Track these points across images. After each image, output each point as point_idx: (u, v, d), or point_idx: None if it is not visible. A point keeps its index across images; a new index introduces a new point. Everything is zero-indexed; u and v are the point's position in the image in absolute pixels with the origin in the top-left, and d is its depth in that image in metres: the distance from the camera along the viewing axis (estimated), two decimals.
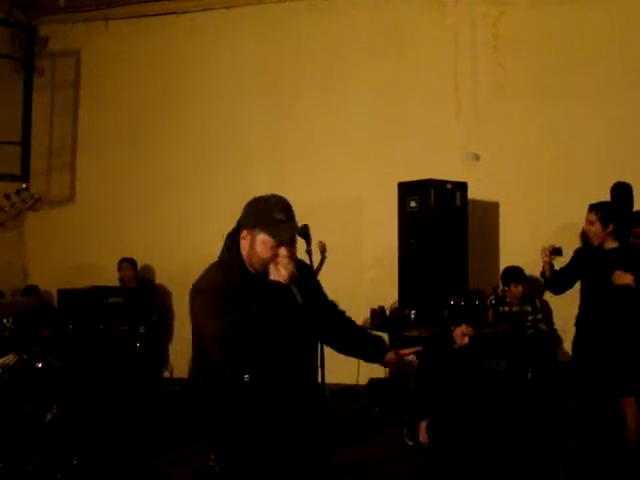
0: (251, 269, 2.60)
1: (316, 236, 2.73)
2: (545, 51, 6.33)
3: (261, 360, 2.44)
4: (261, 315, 2.40)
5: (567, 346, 6.12)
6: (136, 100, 7.38)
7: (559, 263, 4.60)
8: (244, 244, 2.60)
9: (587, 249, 4.50)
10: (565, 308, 5.92)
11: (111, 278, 6.80)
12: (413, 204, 5.74)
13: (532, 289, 6.05)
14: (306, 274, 2.66)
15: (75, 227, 7.46)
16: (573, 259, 4.54)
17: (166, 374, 6.96)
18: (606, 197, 5.19)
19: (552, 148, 6.31)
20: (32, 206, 4.07)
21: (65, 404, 3.99)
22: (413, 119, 6.67)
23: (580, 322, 4.55)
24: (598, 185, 5.67)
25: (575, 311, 5.70)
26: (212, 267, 2.66)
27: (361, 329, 3.00)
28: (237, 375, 2.49)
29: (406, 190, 5.82)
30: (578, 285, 4.69)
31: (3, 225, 6.81)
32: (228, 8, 7.13)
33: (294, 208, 2.61)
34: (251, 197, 2.74)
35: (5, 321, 4.13)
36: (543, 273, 4.54)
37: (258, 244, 2.54)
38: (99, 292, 6.00)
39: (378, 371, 5.52)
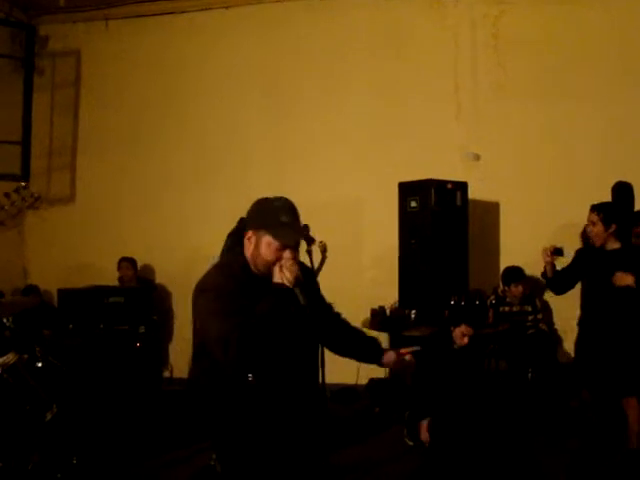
0: (254, 270, 2.61)
1: (316, 236, 2.73)
2: (545, 51, 6.33)
3: (264, 361, 2.44)
4: (265, 316, 2.40)
5: (567, 346, 6.13)
6: (136, 100, 7.37)
7: (560, 263, 4.59)
8: (248, 245, 2.61)
9: (588, 249, 4.50)
10: (565, 308, 5.93)
11: (111, 278, 6.81)
12: (413, 204, 5.73)
13: (532, 289, 6.05)
14: (306, 276, 2.66)
15: (75, 227, 7.46)
16: (574, 259, 4.54)
17: (166, 374, 6.96)
18: (606, 197, 5.19)
19: (552, 148, 6.31)
20: (32, 204, 4.07)
21: (65, 404, 3.98)
22: (413, 119, 6.67)
23: (582, 323, 4.55)
24: (598, 185, 5.67)
25: (575, 311, 5.70)
26: (216, 267, 2.67)
27: (357, 330, 3.01)
28: (239, 375, 2.50)
29: (406, 190, 5.82)
30: (578, 285, 4.68)
31: (3, 224, 6.81)
32: (227, 8, 7.12)
33: None
34: (251, 197, 2.75)
35: (5, 320, 4.13)
36: (544, 273, 4.53)
37: (263, 246, 2.56)
38: (99, 292, 6.01)
39: (378, 371, 5.53)
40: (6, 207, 3.81)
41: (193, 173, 7.19)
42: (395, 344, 5.84)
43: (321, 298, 2.88)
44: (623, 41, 6.10)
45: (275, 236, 2.53)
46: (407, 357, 2.87)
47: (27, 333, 4.34)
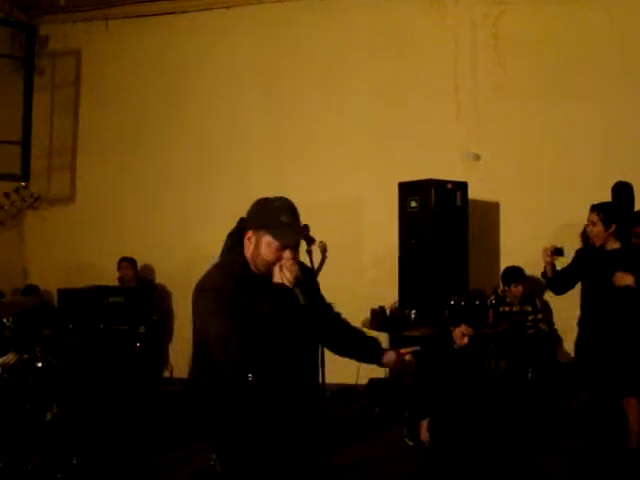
0: (254, 270, 2.61)
1: (316, 236, 2.73)
2: (545, 51, 6.33)
3: (264, 360, 2.45)
4: (265, 316, 2.41)
5: (567, 346, 6.13)
6: (136, 100, 7.37)
7: (560, 263, 4.59)
8: (248, 245, 2.62)
9: (588, 249, 4.50)
10: (565, 308, 5.93)
11: (111, 278, 6.81)
12: (413, 204, 5.73)
13: (532, 289, 6.05)
14: (306, 276, 2.66)
15: (75, 227, 7.46)
16: (575, 260, 4.54)
17: (166, 374, 6.96)
18: (606, 197, 5.19)
19: (552, 148, 6.31)
20: (32, 204, 4.06)
21: (65, 404, 3.98)
22: (413, 119, 6.67)
23: (582, 323, 4.55)
24: (598, 185, 5.67)
25: (575, 311, 5.70)
26: (216, 267, 2.68)
27: (357, 330, 3.01)
28: (240, 375, 2.50)
29: (406, 190, 5.82)
30: (578, 285, 4.69)
31: (3, 224, 6.80)
32: (227, 8, 7.12)
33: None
34: (251, 197, 2.75)
35: (5, 320, 4.13)
36: (545, 274, 4.53)
37: (263, 246, 2.56)
38: (99, 292, 6.01)
39: (378, 371, 5.53)
40: (6, 207, 3.81)
41: (193, 173, 7.19)
42: (395, 344, 5.84)
43: (321, 298, 2.88)
44: (623, 41, 6.10)
45: (275, 236, 2.53)
46: (407, 357, 2.87)
47: (27, 333, 4.34)
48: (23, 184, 3.93)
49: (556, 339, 6.17)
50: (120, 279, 6.80)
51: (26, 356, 4.01)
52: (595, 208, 4.28)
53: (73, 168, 7.60)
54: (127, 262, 6.80)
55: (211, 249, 3.08)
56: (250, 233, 2.61)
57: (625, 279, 4.06)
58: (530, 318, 5.91)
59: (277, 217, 2.56)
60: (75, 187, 7.60)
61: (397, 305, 5.78)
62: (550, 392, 5.44)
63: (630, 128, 6.05)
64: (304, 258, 2.70)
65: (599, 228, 4.22)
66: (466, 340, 4.21)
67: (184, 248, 6.94)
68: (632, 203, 5.43)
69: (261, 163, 6.99)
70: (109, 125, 7.44)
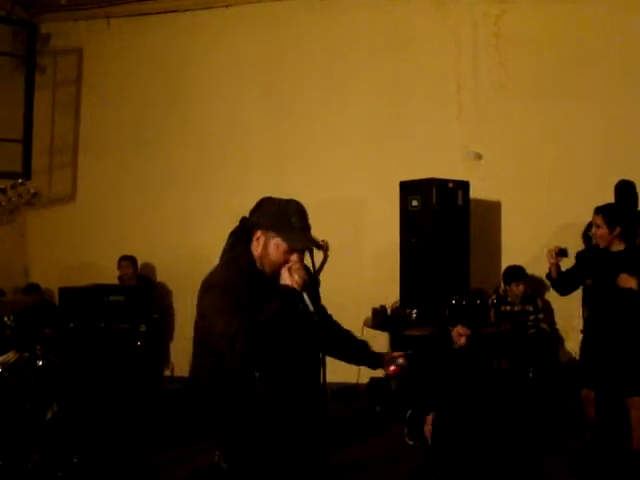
0: (261, 269, 2.63)
1: (318, 235, 2.73)
2: (546, 50, 6.32)
3: (269, 359, 2.46)
4: (273, 317, 2.41)
5: (568, 346, 6.14)
6: (138, 98, 7.37)
7: (564, 264, 4.58)
8: (257, 244, 2.63)
9: (592, 250, 4.49)
10: (566, 308, 5.93)
11: (112, 276, 6.81)
12: (415, 203, 5.72)
13: (534, 288, 6.05)
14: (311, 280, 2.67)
15: (76, 225, 7.46)
16: (579, 261, 4.53)
17: (167, 373, 6.95)
18: (607, 196, 5.18)
19: (553, 147, 6.31)
20: (29, 201, 4.01)
21: (66, 402, 3.98)
22: (414, 118, 6.67)
23: (588, 322, 4.57)
24: (599, 184, 5.67)
25: (576, 311, 5.71)
26: (222, 264, 2.69)
27: (349, 333, 3.01)
28: (245, 372, 2.50)
29: (408, 189, 5.81)
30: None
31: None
32: (227, 7, 7.11)
33: None
34: (251, 196, 2.76)
35: (6, 319, 4.12)
36: (549, 275, 4.53)
37: (271, 247, 2.58)
38: (100, 290, 6.01)
39: (379, 371, 5.52)
40: (3, 203, 3.77)
41: (195, 171, 7.19)
42: (396, 343, 5.86)
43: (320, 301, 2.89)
44: (624, 40, 6.09)
45: (285, 239, 2.56)
46: (400, 360, 2.88)
47: (28, 331, 4.32)
48: (20, 180, 3.89)
49: (557, 339, 6.17)
50: (120, 278, 6.80)
51: (27, 354, 4.00)
52: (599, 210, 4.26)
53: (74, 166, 7.61)
54: (127, 260, 6.80)
55: (212, 248, 3.06)
56: (259, 233, 2.62)
57: (628, 281, 4.06)
58: (531, 318, 5.91)
59: (289, 220, 2.57)
60: (76, 185, 7.60)
61: (398, 304, 5.77)
62: (551, 392, 5.44)
63: (631, 128, 6.05)
64: (305, 258, 2.70)
65: (604, 231, 4.21)
66: (463, 340, 4.20)
67: (185, 246, 6.94)
68: (635, 202, 5.43)
69: (261, 163, 7.00)
70: (110, 123, 7.44)
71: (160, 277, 7.29)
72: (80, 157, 7.59)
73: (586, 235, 5.55)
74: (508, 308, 5.92)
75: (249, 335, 2.36)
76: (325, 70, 6.92)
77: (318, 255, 2.72)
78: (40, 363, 4.15)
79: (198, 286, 2.74)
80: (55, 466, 3.72)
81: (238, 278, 2.56)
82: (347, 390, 6.08)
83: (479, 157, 6.46)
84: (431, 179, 5.71)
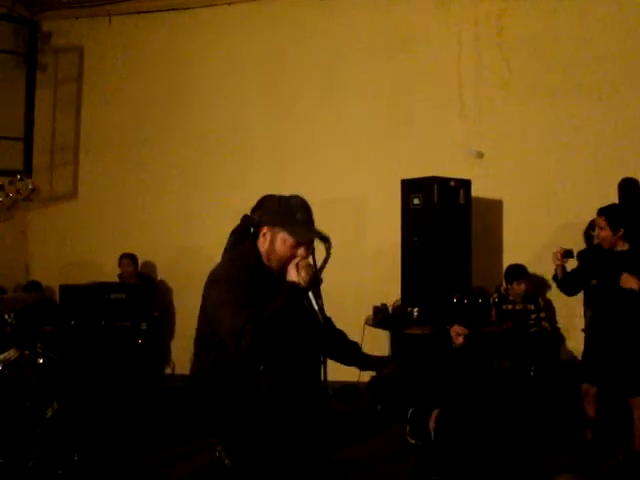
0: (267, 264, 2.66)
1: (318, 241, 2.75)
2: (549, 48, 6.30)
3: (274, 354, 2.47)
4: (278, 312, 2.43)
5: (570, 344, 6.13)
6: (139, 96, 7.37)
7: (567, 264, 4.57)
8: (263, 240, 2.67)
9: (596, 250, 4.47)
10: (568, 307, 5.92)
11: (113, 274, 6.82)
12: (416, 201, 5.71)
13: (535, 287, 6.04)
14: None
15: (77, 223, 7.46)
16: (582, 260, 4.53)
17: (168, 371, 6.96)
18: (611, 195, 5.18)
19: (555, 146, 6.28)
20: (28, 196, 4.01)
21: (66, 400, 3.98)
22: (416, 117, 6.65)
23: (593, 322, 4.56)
24: (601, 183, 5.66)
25: (577, 310, 5.71)
26: (229, 259, 2.71)
27: (341, 333, 3.06)
28: (249, 367, 2.50)
29: (409, 187, 5.79)
30: None
31: None
32: (229, 4, 7.10)
33: None
34: (251, 195, 2.77)
35: (7, 317, 4.12)
36: (555, 276, 4.52)
37: (278, 242, 2.63)
38: (101, 288, 6.02)
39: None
40: (1, 199, 3.77)
41: (195, 170, 7.19)
42: (397, 342, 5.86)
43: None
44: (629, 37, 6.06)
45: (291, 233, 2.60)
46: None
47: (28, 329, 4.32)
48: (18, 176, 3.88)
49: (558, 337, 6.16)
50: (120, 275, 6.80)
51: (27, 352, 4.00)
52: (602, 212, 4.25)
53: (75, 164, 7.60)
54: (128, 258, 6.79)
55: (213, 246, 3.06)
56: (266, 229, 2.66)
57: (630, 281, 4.05)
58: (533, 316, 5.90)
59: (293, 215, 2.63)
60: (77, 183, 7.60)
61: (399, 303, 5.77)
62: (552, 390, 5.43)
63: (634, 125, 6.02)
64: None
65: (607, 232, 4.20)
66: (461, 340, 4.20)
67: (186, 244, 6.94)
68: (639, 200, 5.40)
69: (261, 162, 6.99)
70: (111, 121, 7.44)
71: (161, 275, 7.28)
72: (81, 155, 7.58)
73: (588, 234, 5.55)
74: (509, 307, 5.92)
75: (255, 330, 2.38)
76: (326, 69, 6.91)
77: (321, 253, 2.72)
78: (41, 361, 4.15)
79: (199, 284, 2.75)
80: (56, 464, 3.71)
81: (244, 274, 2.58)
82: (348, 388, 6.07)
83: (481, 155, 6.45)
84: (433, 177, 5.69)
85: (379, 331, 5.77)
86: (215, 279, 2.62)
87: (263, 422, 2.52)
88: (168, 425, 4.93)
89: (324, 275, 2.76)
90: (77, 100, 7.58)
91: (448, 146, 6.49)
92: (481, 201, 6.24)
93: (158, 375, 6.25)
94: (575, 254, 4.52)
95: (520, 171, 6.35)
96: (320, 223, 2.79)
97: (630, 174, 5.53)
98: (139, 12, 7.37)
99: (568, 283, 4.51)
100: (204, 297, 2.66)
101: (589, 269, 4.42)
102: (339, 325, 3.10)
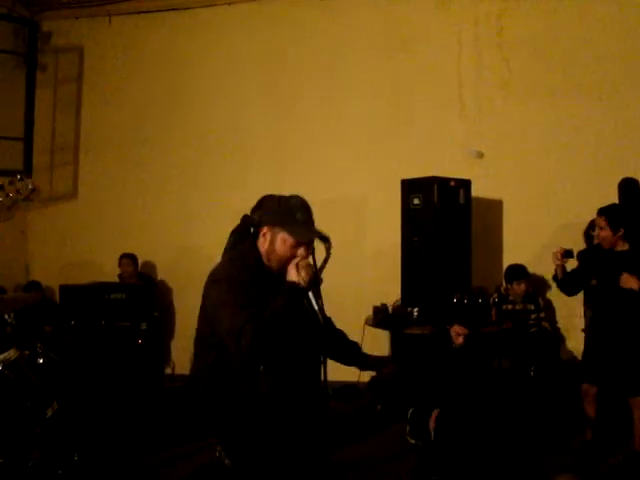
0: (267, 264, 2.66)
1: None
2: (549, 47, 6.29)
3: (274, 354, 2.48)
4: (278, 312, 2.44)
5: (570, 345, 6.13)
6: (139, 96, 7.37)
7: (568, 264, 4.57)
8: (263, 240, 2.67)
9: (596, 250, 4.47)
10: (568, 307, 5.92)
11: (113, 274, 6.82)
12: (416, 201, 5.70)
13: (535, 287, 6.04)
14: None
15: (77, 223, 7.46)
16: (582, 260, 4.53)
17: (168, 371, 6.96)
18: (611, 195, 5.18)
19: (555, 146, 6.28)
20: (27, 196, 4.01)
21: (66, 400, 3.98)
22: (416, 117, 6.65)
23: (593, 322, 4.56)
24: (602, 183, 5.66)
25: (577, 310, 5.70)
26: (229, 259, 2.71)
27: (341, 333, 3.06)
28: (249, 367, 2.50)
29: (409, 187, 5.79)
30: None
31: None
32: (229, 4, 7.10)
33: None
34: (251, 194, 2.76)
35: (7, 317, 4.12)
36: (555, 276, 4.53)
37: (278, 242, 2.63)
38: (101, 288, 6.02)
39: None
40: (1, 199, 3.77)
41: (195, 170, 7.19)
42: (397, 342, 5.86)
43: None
44: (629, 36, 6.05)
45: (291, 233, 2.60)
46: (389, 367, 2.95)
47: (28, 329, 4.32)
48: (18, 176, 3.88)
49: (558, 338, 6.16)
50: (120, 276, 6.80)
51: (27, 352, 4.00)
52: (602, 212, 4.25)
53: (75, 164, 7.60)
54: (128, 258, 6.79)
55: (213, 246, 3.07)
56: (266, 229, 2.66)
57: (629, 281, 4.05)
58: (533, 316, 5.90)
59: (293, 215, 2.63)
60: (77, 183, 7.60)
61: (399, 303, 5.77)
62: (552, 391, 5.43)
63: (634, 126, 6.02)
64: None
65: (607, 233, 4.20)
66: (461, 340, 4.20)
67: (186, 244, 6.94)
68: (639, 200, 5.40)
69: (261, 162, 6.99)
70: (111, 121, 7.44)
71: (161, 275, 7.28)
72: (81, 155, 7.58)
73: (587, 234, 5.55)
74: (509, 307, 5.91)
75: (255, 330, 2.38)
76: (326, 69, 6.90)
77: (321, 253, 2.73)
78: (41, 361, 4.15)
79: (199, 284, 2.75)
80: (56, 464, 3.71)
81: (244, 274, 2.59)
82: (348, 388, 6.07)
83: (481, 155, 6.45)
84: (433, 177, 5.69)
85: (379, 331, 5.77)
86: (215, 279, 2.62)
87: (263, 422, 2.52)
88: (168, 425, 4.93)
89: (324, 275, 2.76)
90: (77, 100, 7.58)
91: (448, 146, 6.48)
92: (481, 201, 6.24)
93: (158, 375, 6.25)
94: (575, 254, 4.52)
95: (520, 171, 6.34)
96: (320, 223, 2.79)
97: (630, 174, 5.53)
98: (139, 12, 7.37)
99: (568, 283, 4.51)
100: (204, 297, 2.66)
101: (589, 269, 4.42)
102: (339, 325, 3.10)
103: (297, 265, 2.56)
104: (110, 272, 6.83)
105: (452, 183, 5.82)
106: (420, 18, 6.66)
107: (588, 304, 5.39)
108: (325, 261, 2.75)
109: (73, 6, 7.41)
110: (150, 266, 7.26)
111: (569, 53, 6.23)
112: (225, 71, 7.15)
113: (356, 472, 4.17)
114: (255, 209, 2.76)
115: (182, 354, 6.60)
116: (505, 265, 6.18)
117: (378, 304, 5.75)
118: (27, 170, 6.89)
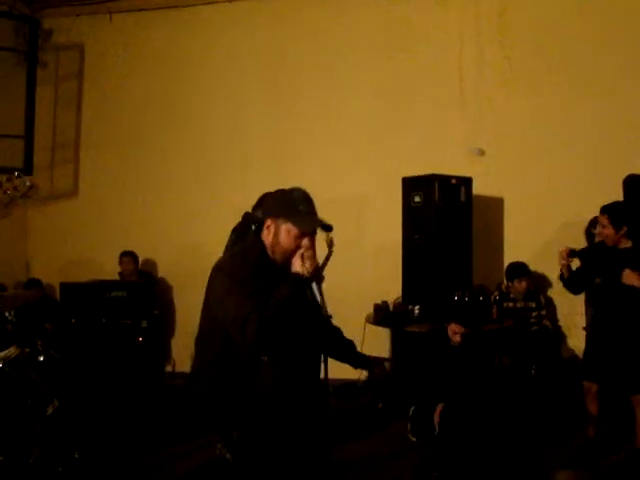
0: (272, 257, 2.67)
1: (321, 231, 2.74)
2: (550, 44, 6.28)
3: (278, 344, 2.48)
4: (283, 301, 2.45)
5: (571, 343, 6.12)
6: (139, 94, 7.36)
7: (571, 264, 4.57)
8: (267, 232, 2.67)
9: (598, 248, 4.47)
10: (569, 305, 5.91)
11: (113, 272, 6.82)
12: (417, 199, 5.70)
13: (536, 285, 6.03)
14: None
15: (78, 220, 7.46)
16: (585, 258, 4.53)
17: (168, 368, 6.95)
18: (613, 192, 5.15)
19: (557, 143, 6.26)
20: (25, 193, 4.00)
21: (67, 398, 3.98)
22: (417, 115, 6.64)
23: (594, 320, 4.56)
24: (603, 181, 5.64)
25: (579, 308, 5.69)
26: (235, 251, 2.72)
27: (337, 330, 3.07)
28: (254, 356, 2.52)
29: (410, 185, 5.79)
30: None
31: None
32: (230, 2, 7.09)
33: None
34: (252, 193, 2.77)
35: (7, 314, 4.12)
36: (562, 276, 4.53)
37: (282, 233, 2.63)
38: (102, 286, 6.02)
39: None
40: None
41: (195, 168, 7.19)
42: (397, 340, 5.85)
43: None
44: (631, 32, 6.04)
45: (294, 223, 2.61)
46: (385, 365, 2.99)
47: (29, 327, 4.32)
48: (16, 173, 3.87)
49: (560, 335, 6.16)
50: (121, 273, 6.80)
51: (28, 350, 4.00)
52: (605, 210, 4.24)
53: (76, 162, 7.60)
54: (128, 256, 6.79)
55: (213, 243, 3.08)
56: (269, 221, 2.67)
57: (632, 278, 4.05)
58: (534, 314, 5.90)
59: (296, 206, 2.65)
60: (78, 181, 7.60)
61: (400, 300, 5.76)
62: (553, 388, 5.43)
63: (636, 123, 6.00)
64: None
65: (610, 231, 4.20)
66: (458, 338, 4.19)
67: (186, 242, 6.94)
68: None
69: (261, 160, 6.98)
70: (112, 119, 7.44)
71: (161, 273, 7.28)
72: (82, 152, 7.58)
73: (589, 232, 5.54)
74: (511, 305, 5.90)
75: (261, 319, 2.40)
76: (326, 69, 6.89)
77: (323, 251, 2.73)
78: (41, 358, 4.15)
79: (199, 282, 2.75)
80: (56, 461, 3.71)
81: (248, 266, 2.60)
82: (349, 386, 6.07)
83: (482, 153, 6.44)
84: (433, 175, 5.69)
85: (380, 329, 5.78)
86: (220, 268, 2.64)
87: (267, 413, 2.53)
88: (168, 423, 4.94)
89: (325, 273, 2.76)
90: (78, 97, 7.58)
91: (449, 144, 6.47)
92: (482, 199, 6.23)
93: (158, 373, 6.25)
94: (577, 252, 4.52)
95: (521, 169, 6.34)
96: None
97: (632, 171, 5.51)
98: (140, 9, 7.35)
99: (574, 282, 4.51)
100: (208, 288, 2.67)
101: (593, 267, 4.41)
102: (340, 323, 3.10)
103: (302, 255, 2.56)
104: (111, 270, 6.83)
105: (453, 181, 5.82)
106: (420, 17, 6.65)
107: (589, 302, 5.38)
108: (327, 258, 2.75)
109: (74, 3, 7.40)
110: (151, 264, 7.26)
111: (571, 50, 6.21)
112: (225, 69, 7.15)
113: (357, 470, 4.17)
114: (256, 207, 2.77)
115: (183, 352, 6.59)
116: (506, 263, 6.17)
117: (379, 302, 5.75)
118: (27, 167, 6.89)
